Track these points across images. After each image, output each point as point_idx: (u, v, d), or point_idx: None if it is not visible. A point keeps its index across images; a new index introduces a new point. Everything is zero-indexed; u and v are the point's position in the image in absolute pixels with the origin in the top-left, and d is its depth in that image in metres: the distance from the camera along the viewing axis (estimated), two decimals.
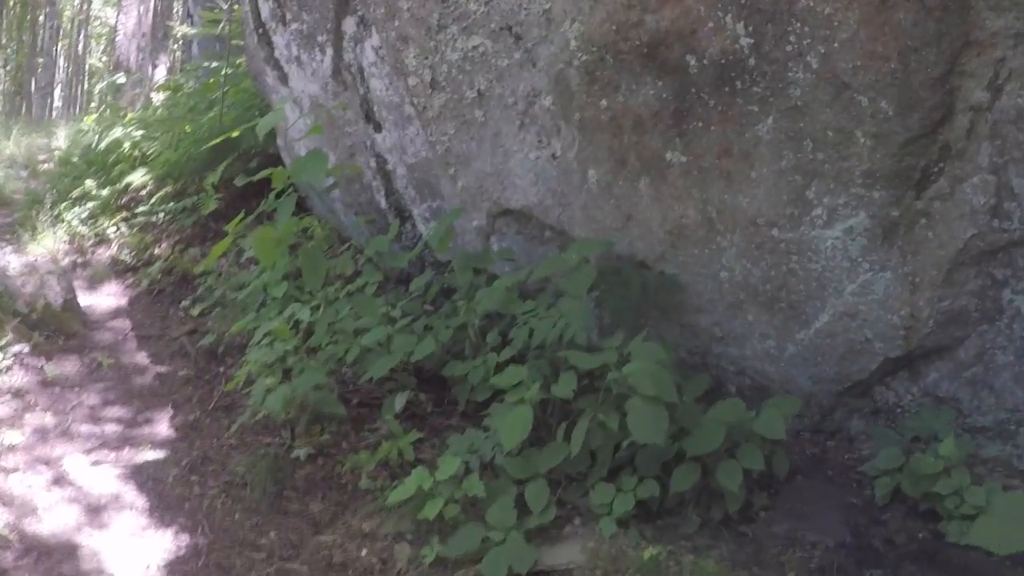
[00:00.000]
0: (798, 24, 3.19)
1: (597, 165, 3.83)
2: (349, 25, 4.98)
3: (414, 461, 3.82)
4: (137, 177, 7.67)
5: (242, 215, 4.84)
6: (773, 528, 3.19)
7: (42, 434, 4.48)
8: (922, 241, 3.30)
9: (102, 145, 8.54)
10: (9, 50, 28.71)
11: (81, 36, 32.23)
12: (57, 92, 30.71)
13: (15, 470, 4.09)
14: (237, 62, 7.83)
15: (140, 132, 8.26)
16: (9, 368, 4.95)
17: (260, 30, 5.82)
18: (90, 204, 7.76)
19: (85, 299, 6.24)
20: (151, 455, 4.33)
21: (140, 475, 4.15)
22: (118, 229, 7.37)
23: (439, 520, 3.41)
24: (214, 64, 8.59)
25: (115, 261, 7.06)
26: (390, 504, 3.55)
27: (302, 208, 5.43)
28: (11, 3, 25.94)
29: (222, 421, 4.58)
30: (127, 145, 8.20)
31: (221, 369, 5.15)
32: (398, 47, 4.39)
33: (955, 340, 3.40)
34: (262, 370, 4.36)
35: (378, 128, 5.01)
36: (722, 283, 3.69)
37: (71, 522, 3.79)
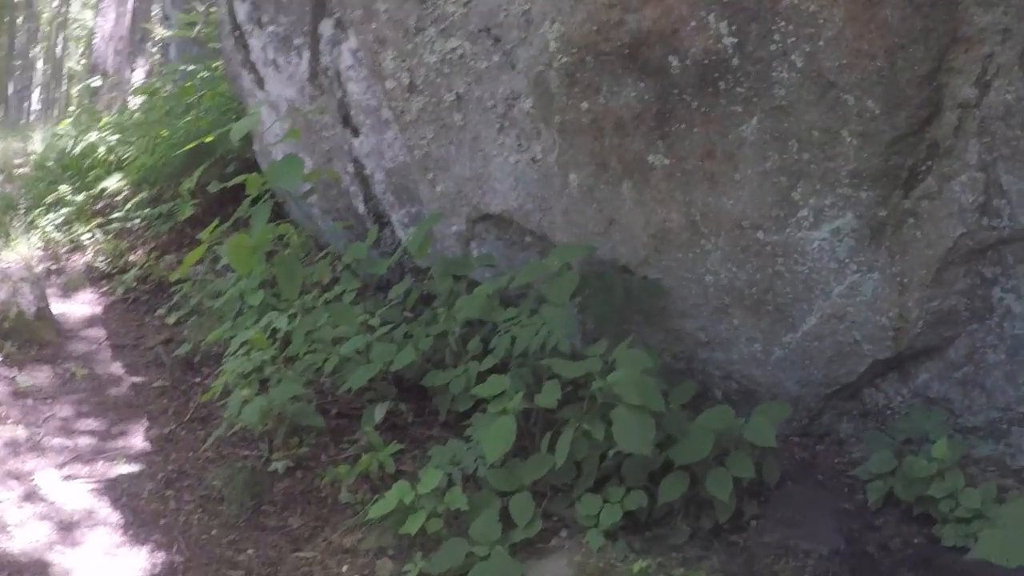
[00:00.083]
0: (782, 22, 3.16)
1: (578, 169, 3.78)
2: (326, 27, 4.92)
3: (395, 474, 3.77)
4: (112, 182, 7.60)
5: (216, 222, 4.77)
6: (765, 537, 3.16)
7: (13, 447, 4.38)
8: (910, 241, 3.29)
9: (77, 149, 8.44)
10: None
11: (60, 39, 32.00)
12: (35, 95, 30.51)
13: None
14: (214, 65, 7.75)
15: (116, 136, 8.18)
16: None
17: (236, 33, 5.75)
18: (65, 210, 7.68)
19: (59, 307, 6.16)
20: (126, 469, 4.25)
21: (114, 490, 4.07)
22: (93, 235, 7.28)
23: (422, 535, 3.36)
24: (191, 67, 8.50)
25: (90, 268, 6.97)
26: (371, 518, 3.49)
27: (279, 214, 5.38)
28: None
29: (198, 433, 4.51)
30: (102, 150, 8.12)
31: (197, 379, 5.08)
32: (375, 50, 4.34)
33: (945, 340, 3.39)
34: (239, 380, 4.30)
35: (356, 132, 4.95)
36: (707, 287, 3.64)
37: (43, 539, 3.70)
